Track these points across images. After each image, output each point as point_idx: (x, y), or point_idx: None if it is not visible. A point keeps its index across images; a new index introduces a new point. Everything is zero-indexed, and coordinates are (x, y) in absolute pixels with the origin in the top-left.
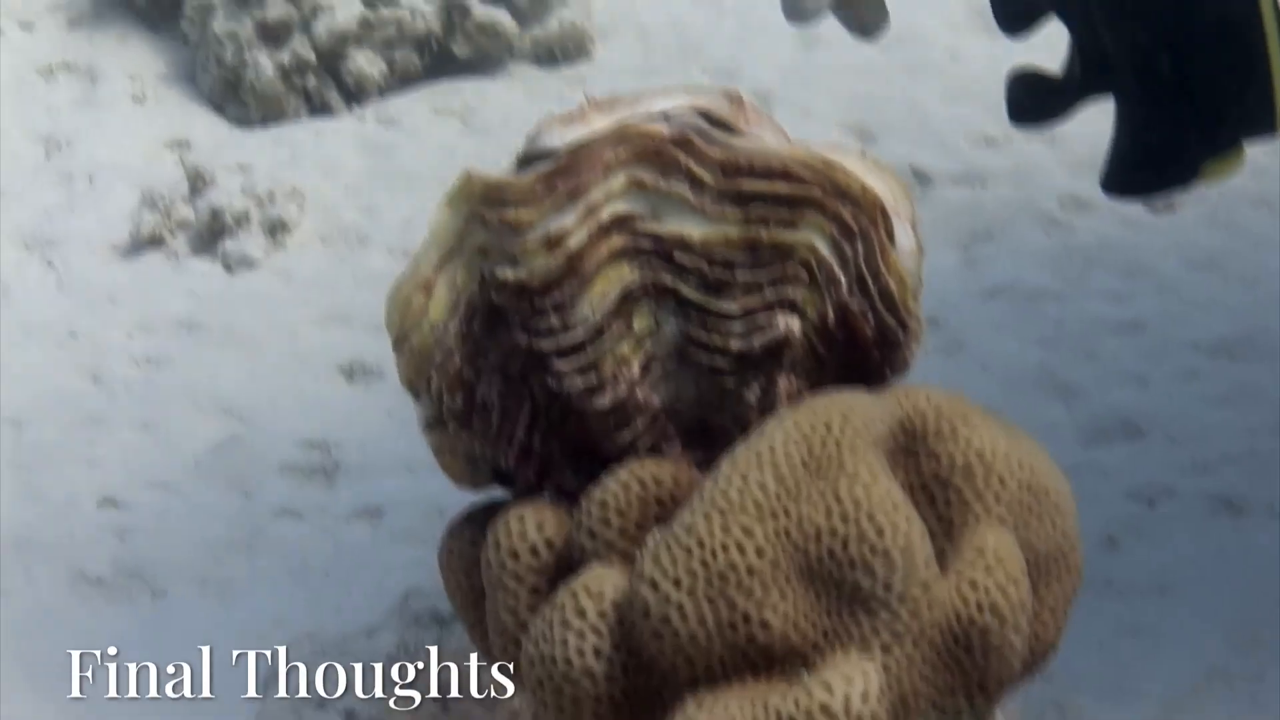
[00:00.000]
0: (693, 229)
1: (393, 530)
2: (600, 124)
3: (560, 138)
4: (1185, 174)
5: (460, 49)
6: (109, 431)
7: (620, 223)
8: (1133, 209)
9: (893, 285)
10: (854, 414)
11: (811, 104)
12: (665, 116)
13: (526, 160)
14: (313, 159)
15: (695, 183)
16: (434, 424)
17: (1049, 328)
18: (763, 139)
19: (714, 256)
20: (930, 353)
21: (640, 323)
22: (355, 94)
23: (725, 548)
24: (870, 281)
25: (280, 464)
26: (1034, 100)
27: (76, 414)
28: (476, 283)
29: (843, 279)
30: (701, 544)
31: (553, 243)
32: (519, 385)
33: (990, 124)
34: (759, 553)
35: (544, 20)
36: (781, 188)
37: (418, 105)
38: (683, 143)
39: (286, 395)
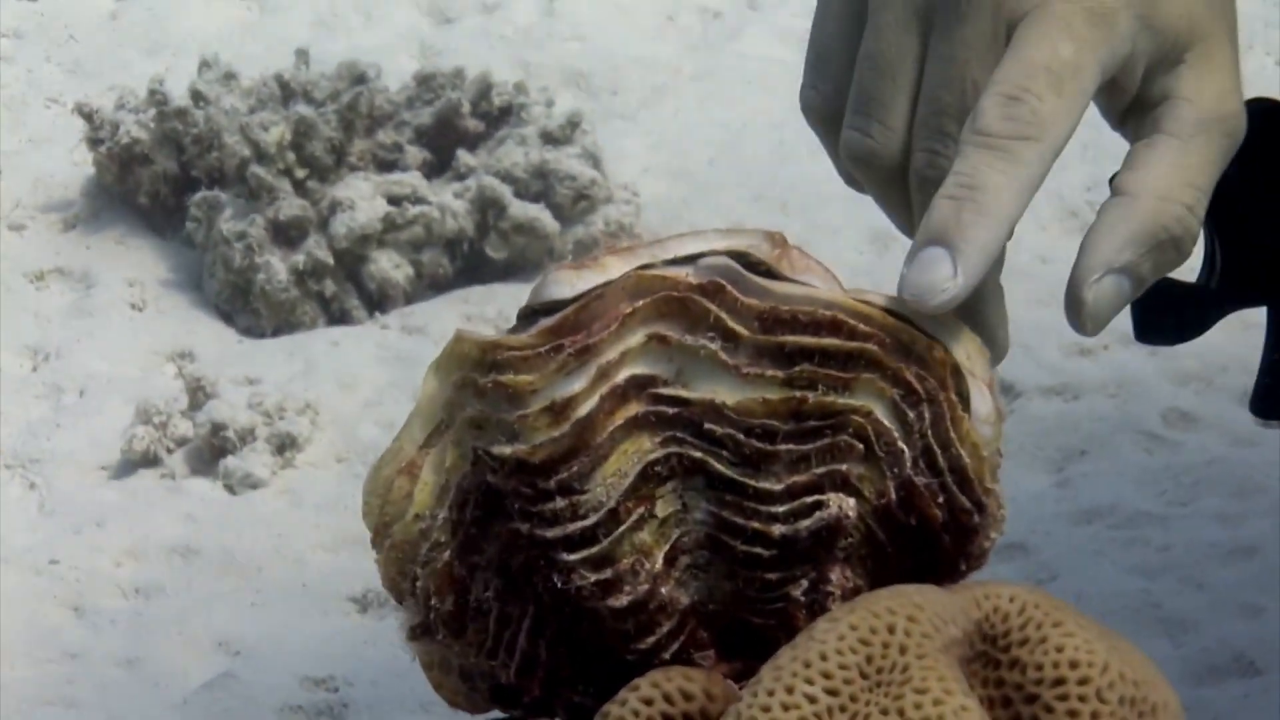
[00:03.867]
0: (726, 393)
1: None
2: (618, 271)
3: (570, 287)
4: None
5: (495, 251)
6: (89, 669)
7: (639, 386)
8: (1243, 421)
9: (966, 459)
10: (922, 614)
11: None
12: (693, 261)
13: (530, 315)
14: (329, 370)
15: (728, 338)
16: (421, 632)
17: (1152, 555)
18: (811, 286)
19: (752, 426)
20: (1020, 581)
21: (664, 506)
22: (377, 300)
23: None
24: (939, 455)
25: (280, 704)
26: (1167, 314)
27: (54, 649)
28: (469, 463)
29: (906, 452)
30: None
31: (559, 412)
32: (521, 584)
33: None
34: None
35: (588, 220)
36: (832, 343)
37: (447, 312)
38: (713, 291)
39: (290, 628)
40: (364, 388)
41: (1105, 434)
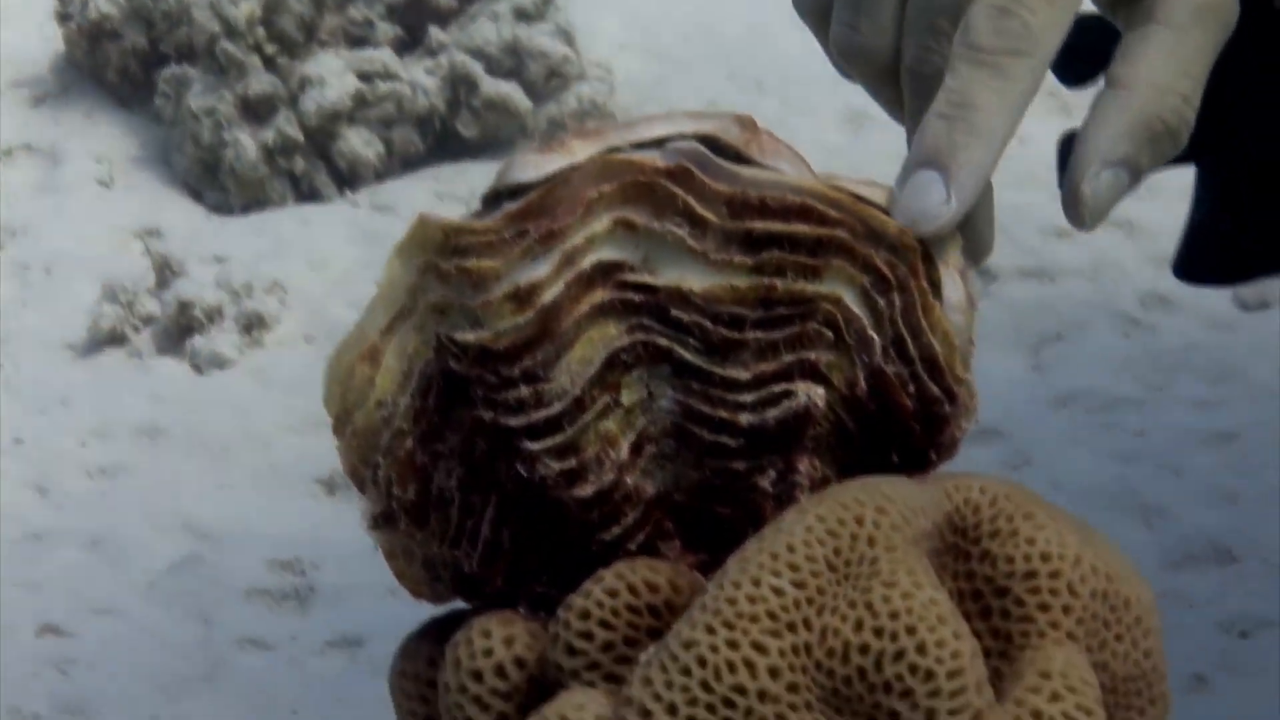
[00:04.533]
0: (693, 279)
1: (373, 662)
2: (584, 154)
3: (535, 170)
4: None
5: (466, 128)
6: (53, 550)
7: (605, 273)
8: (1222, 306)
9: (937, 347)
10: (891, 506)
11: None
12: (661, 144)
13: (494, 198)
14: (298, 249)
15: (696, 223)
16: (383, 521)
17: (1128, 440)
18: (780, 171)
19: (719, 313)
20: (994, 467)
21: (630, 394)
22: (348, 177)
23: (732, 667)
24: (910, 342)
25: (246, 587)
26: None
27: (17, 530)
28: (432, 349)
29: (876, 339)
30: (703, 663)
31: (523, 298)
32: (484, 472)
33: (1062, 213)
34: (773, 673)
35: (561, 97)
36: (802, 229)
37: (418, 189)
38: (681, 175)
39: (257, 510)
40: (333, 266)
41: (1082, 317)
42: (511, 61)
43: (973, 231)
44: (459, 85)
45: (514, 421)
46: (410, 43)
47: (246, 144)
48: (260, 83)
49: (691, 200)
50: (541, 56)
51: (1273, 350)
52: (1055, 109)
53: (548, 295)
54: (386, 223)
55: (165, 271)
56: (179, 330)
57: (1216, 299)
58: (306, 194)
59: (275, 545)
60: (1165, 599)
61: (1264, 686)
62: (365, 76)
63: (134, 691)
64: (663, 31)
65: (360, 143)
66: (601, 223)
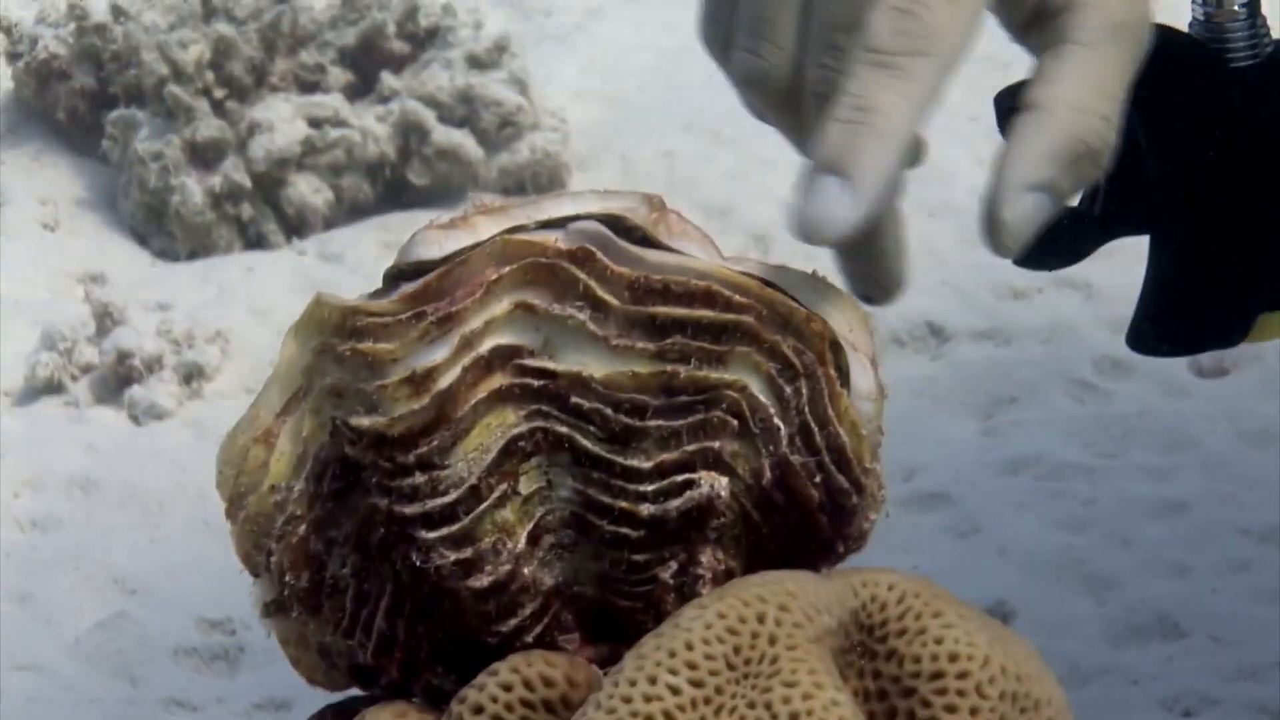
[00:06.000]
0: (594, 365)
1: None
2: (488, 231)
3: (438, 248)
4: (1235, 329)
5: (417, 177)
6: None
7: (504, 357)
8: (1178, 373)
9: (845, 437)
10: (795, 602)
11: (816, 248)
12: (564, 225)
13: (396, 277)
14: (242, 297)
15: (598, 307)
16: (275, 609)
17: (1078, 508)
18: (686, 254)
19: (620, 400)
20: (941, 533)
21: (528, 483)
22: (296, 225)
23: None
24: (817, 432)
25: (175, 646)
26: (1045, 239)
27: None
28: (328, 433)
29: (783, 429)
30: None
31: (419, 382)
32: (379, 561)
33: (1018, 274)
34: None
35: (513, 147)
36: (706, 314)
37: (366, 238)
38: (582, 258)
39: (189, 566)
40: (278, 316)
41: (1036, 381)
42: (464, 110)
43: (883, 261)
44: (410, 133)
45: (409, 509)
46: (362, 88)
47: (193, 189)
48: (208, 127)
49: (593, 283)
50: (495, 105)
51: (1228, 419)
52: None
53: (445, 380)
54: (333, 272)
55: (106, 319)
56: (117, 380)
57: (1173, 365)
58: (253, 241)
59: (206, 603)
60: (1109, 674)
61: None
62: (315, 122)
63: None
64: (620, 79)
65: (309, 190)
66: (501, 305)
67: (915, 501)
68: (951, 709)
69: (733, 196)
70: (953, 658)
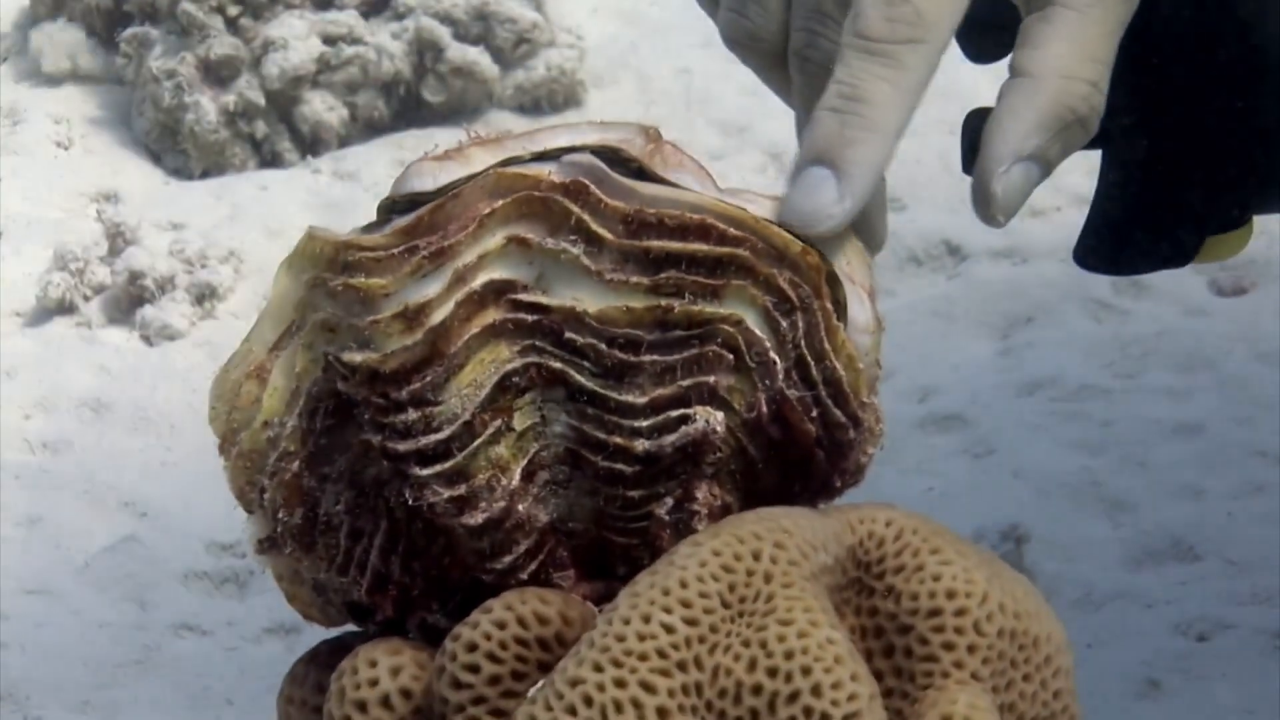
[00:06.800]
0: (588, 300)
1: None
2: (483, 163)
3: (432, 179)
4: (1183, 250)
5: (432, 94)
6: None
7: (498, 292)
8: (1197, 291)
9: (841, 371)
10: (790, 539)
11: None
12: (559, 158)
13: (390, 209)
14: (256, 216)
15: (592, 241)
16: (268, 545)
17: (1094, 430)
18: (683, 186)
19: (614, 335)
20: (956, 455)
21: (522, 419)
22: (310, 143)
23: (619, 707)
24: (814, 366)
25: (184, 570)
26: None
27: None
28: (320, 368)
29: (779, 363)
30: (589, 701)
31: (412, 318)
32: (372, 498)
33: (1036, 192)
34: (661, 714)
35: (529, 64)
36: (700, 248)
37: (381, 156)
38: (576, 191)
39: (200, 489)
40: (291, 234)
41: (1053, 300)
42: (479, 27)
43: (864, 223)
44: (425, 50)
45: (402, 446)
46: (377, 5)
47: (207, 107)
48: (222, 45)
49: (587, 217)
50: (510, 22)
51: (1246, 339)
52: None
53: (437, 315)
54: (348, 190)
55: (118, 239)
56: (129, 300)
57: (1192, 283)
58: (268, 159)
59: (216, 526)
60: (1124, 598)
61: (1219, 693)
62: (330, 40)
63: (65, 676)
64: None
65: (323, 107)
66: (494, 239)
67: (930, 423)
68: (949, 646)
69: (750, 114)
70: (950, 594)
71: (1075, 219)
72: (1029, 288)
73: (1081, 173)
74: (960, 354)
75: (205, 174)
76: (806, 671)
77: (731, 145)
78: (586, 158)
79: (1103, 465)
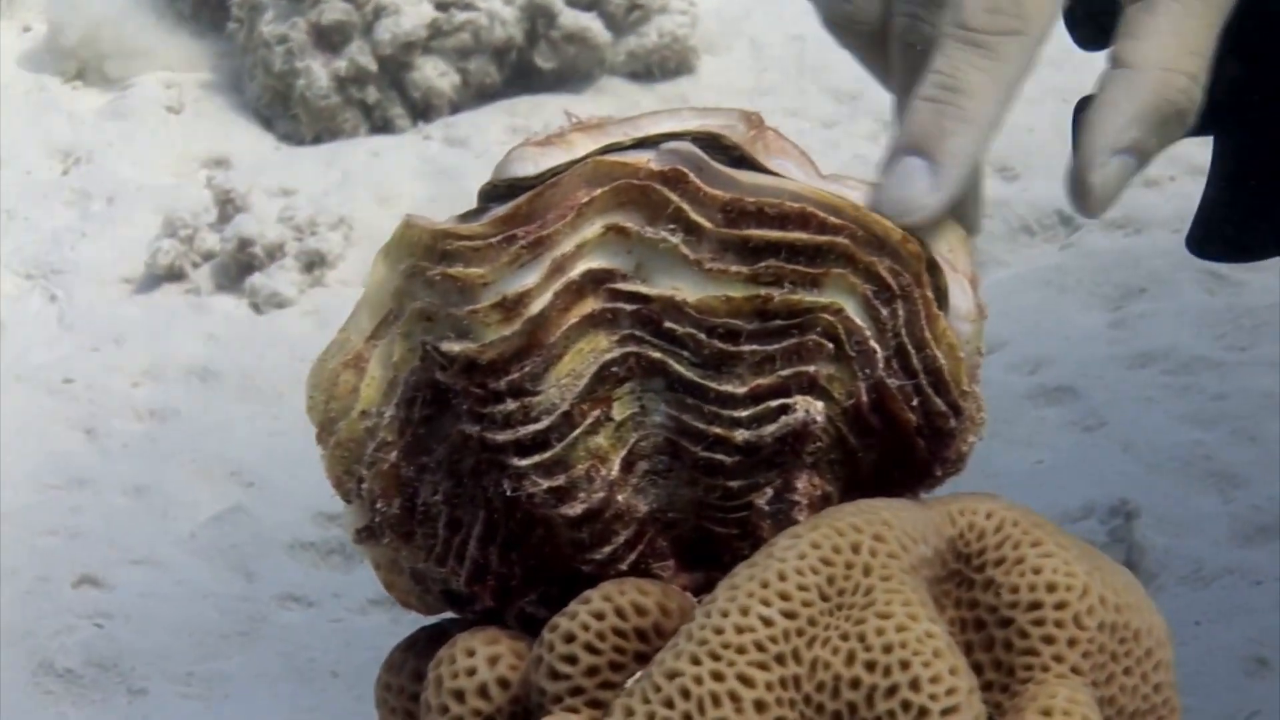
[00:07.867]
0: (687, 289)
1: (417, 623)
2: (584, 149)
3: (534, 165)
4: None
5: (544, 60)
6: (96, 496)
7: (596, 282)
8: None
9: (942, 359)
10: (890, 531)
11: None
12: (659, 144)
13: (490, 195)
14: (367, 182)
15: (691, 230)
16: (366, 535)
17: (1206, 403)
18: (784, 174)
19: (714, 325)
20: (1066, 427)
21: (621, 409)
22: (421, 109)
23: (716, 700)
24: (914, 355)
25: (290, 540)
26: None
27: (61, 475)
28: (418, 357)
29: (879, 351)
30: (686, 694)
31: (510, 308)
32: (471, 488)
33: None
34: (759, 708)
35: (641, 30)
36: (800, 236)
37: (493, 123)
38: (675, 180)
39: (307, 459)
40: (403, 201)
41: (1166, 271)
42: None
43: (956, 211)
44: (537, 16)
45: (500, 437)
46: None
47: (318, 73)
48: (334, 10)
49: (686, 206)
50: None
51: None
52: None
53: (536, 305)
54: (459, 157)
55: (228, 206)
56: (238, 267)
57: None
58: (379, 125)
59: (323, 496)
60: (1233, 574)
61: None
62: (442, 5)
63: (169, 647)
64: None
65: (435, 73)
66: (593, 228)
67: (1040, 394)
68: (1049, 640)
69: (862, 81)
70: (1051, 588)
71: (1189, 189)
72: (1142, 258)
73: (1196, 142)
74: (1072, 325)
75: (316, 140)
76: (905, 665)
77: (844, 113)
78: (686, 145)
79: (1214, 439)
